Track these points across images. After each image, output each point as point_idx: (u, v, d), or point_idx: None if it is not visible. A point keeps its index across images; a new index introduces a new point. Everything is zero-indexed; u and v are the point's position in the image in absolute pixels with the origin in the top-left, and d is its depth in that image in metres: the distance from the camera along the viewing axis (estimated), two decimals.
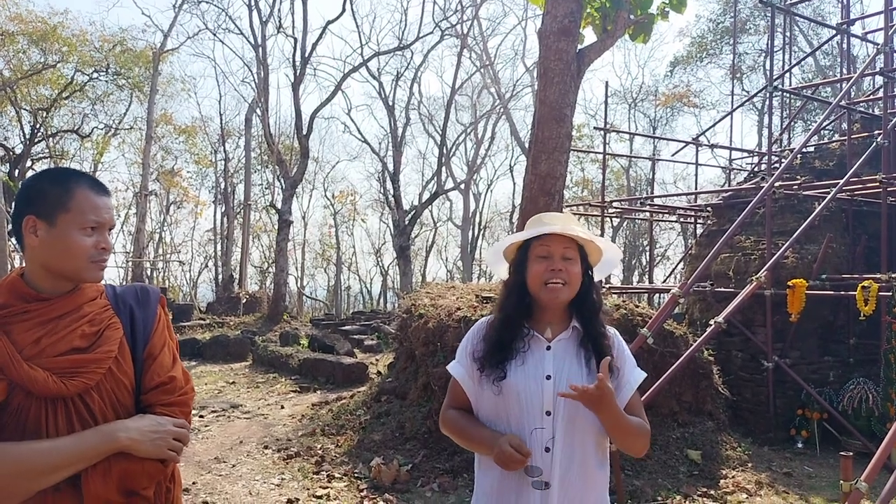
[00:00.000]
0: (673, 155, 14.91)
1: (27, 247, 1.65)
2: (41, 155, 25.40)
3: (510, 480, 1.94)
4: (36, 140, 24.11)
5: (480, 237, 35.16)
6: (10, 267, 12.74)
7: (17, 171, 22.61)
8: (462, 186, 32.61)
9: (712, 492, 5.80)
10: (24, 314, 1.62)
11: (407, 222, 23.80)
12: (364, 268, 41.89)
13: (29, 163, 24.05)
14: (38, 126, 23.85)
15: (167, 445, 1.64)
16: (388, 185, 25.65)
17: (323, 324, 17.74)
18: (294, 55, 20.43)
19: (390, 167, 24.96)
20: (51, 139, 25.53)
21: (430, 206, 29.08)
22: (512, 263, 2.12)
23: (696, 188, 14.38)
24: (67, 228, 1.63)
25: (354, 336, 15.23)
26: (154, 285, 2.88)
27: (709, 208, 10.66)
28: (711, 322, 6.39)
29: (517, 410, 1.94)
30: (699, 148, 13.19)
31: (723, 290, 8.26)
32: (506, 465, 1.87)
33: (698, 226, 12.32)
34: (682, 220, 14.79)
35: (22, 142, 23.80)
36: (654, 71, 72.09)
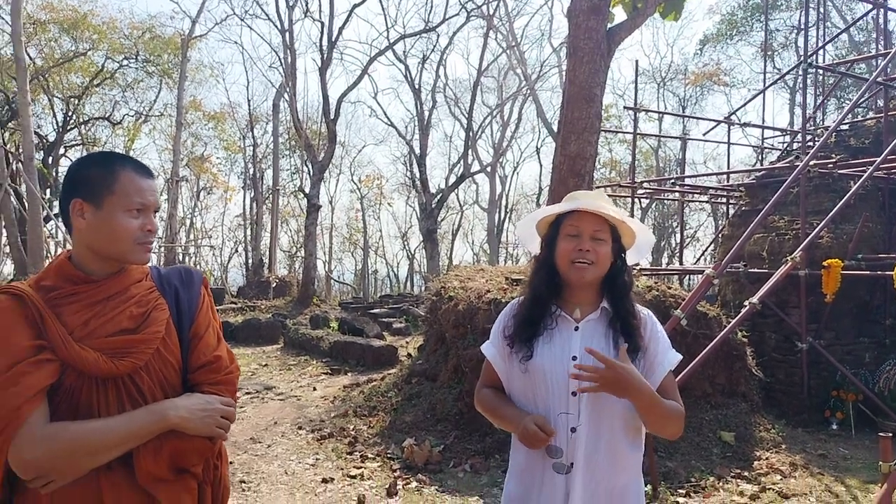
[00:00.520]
0: (704, 134, 14.60)
1: (74, 230, 1.68)
2: (74, 142, 25.81)
3: (537, 460, 1.95)
4: (68, 127, 24.49)
5: (507, 220, 35.07)
6: (45, 252, 13.00)
7: (50, 159, 23.01)
8: (488, 169, 32.47)
9: (746, 473, 5.77)
10: (73, 296, 1.64)
11: (434, 205, 23.80)
12: (391, 251, 42.16)
13: (62, 150, 24.45)
14: (70, 114, 24.21)
15: (215, 423, 1.67)
16: (415, 168, 25.64)
17: (352, 307, 17.85)
18: (321, 39, 20.44)
19: (417, 150, 24.92)
20: (83, 126, 25.90)
21: (456, 189, 29.02)
22: (543, 239, 2.12)
23: (727, 168, 14.15)
24: (113, 211, 1.65)
25: (383, 319, 15.30)
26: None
27: (741, 188, 10.50)
28: (745, 303, 6.31)
29: (543, 390, 1.95)
30: (730, 127, 12.96)
31: (756, 270, 8.16)
32: (530, 443, 1.88)
33: (730, 206, 12.14)
34: (712, 200, 14.58)
35: (55, 129, 24.20)
36: (684, 49, 70.79)
